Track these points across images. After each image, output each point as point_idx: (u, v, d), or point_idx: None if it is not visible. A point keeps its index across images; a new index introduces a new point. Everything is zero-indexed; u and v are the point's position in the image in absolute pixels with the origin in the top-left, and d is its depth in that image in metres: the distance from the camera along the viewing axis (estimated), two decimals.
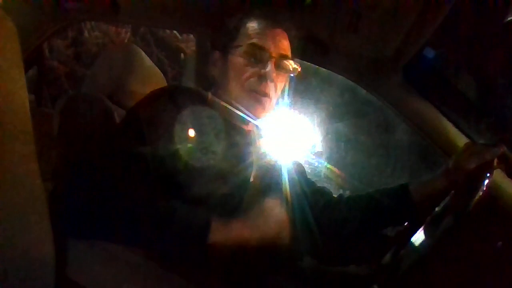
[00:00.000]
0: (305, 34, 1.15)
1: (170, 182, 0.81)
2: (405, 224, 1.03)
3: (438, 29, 1.09)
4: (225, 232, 0.74)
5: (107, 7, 1.22)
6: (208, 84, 1.04)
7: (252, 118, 0.95)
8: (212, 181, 0.86)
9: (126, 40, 3.23)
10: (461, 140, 1.26)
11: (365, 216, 1.02)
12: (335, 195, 1.09)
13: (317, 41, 1.23)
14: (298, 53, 1.01)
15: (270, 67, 0.93)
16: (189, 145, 0.85)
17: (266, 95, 0.94)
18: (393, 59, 1.23)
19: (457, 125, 1.28)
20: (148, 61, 1.37)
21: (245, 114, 0.95)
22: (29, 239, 0.61)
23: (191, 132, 0.87)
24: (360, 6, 1.06)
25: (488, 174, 0.88)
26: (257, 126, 1.02)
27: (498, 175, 1.10)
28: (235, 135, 0.96)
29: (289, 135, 1.02)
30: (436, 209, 0.91)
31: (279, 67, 0.95)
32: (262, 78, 0.93)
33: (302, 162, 1.17)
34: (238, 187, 0.91)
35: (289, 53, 0.98)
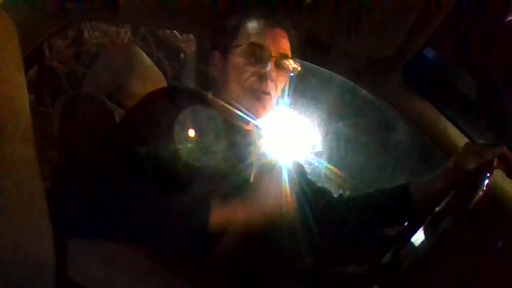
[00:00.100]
0: (305, 34, 1.15)
1: (169, 182, 0.81)
2: (405, 224, 1.03)
3: (438, 29, 1.09)
4: (225, 215, 0.74)
5: (107, 7, 1.22)
6: (208, 84, 1.04)
7: (252, 118, 0.95)
8: (212, 181, 0.86)
9: (126, 40, 3.23)
10: (461, 140, 1.26)
11: (365, 216, 1.02)
12: (335, 195, 1.09)
13: (317, 41, 1.23)
14: (298, 53, 1.01)
15: (270, 66, 0.93)
16: (189, 145, 0.85)
17: (266, 94, 0.94)
18: (393, 59, 1.23)
19: (457, 125, 1.28)
20: (148, 61, 1.37)
21: (245, 114, 0.95)
22: (29, 239, 0.61)
23: (190, 132, 0.87)
24: (360, 6, 1.06)
25: (488, 174, 0.88)
26: (257, 126, 1.02)
27: (498, 175, 1.10)
28: (235, 135, 0.96)
29: (289, 135, 1.02)
30: (436, 209, 0.91)
31: (279, 66, 0.95)
32: (263, 77, 0.93)
33: (302, 162, 1.17)
34: (238, 187, 0.91)
35: (289, 53, 0.98)
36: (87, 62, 3.15)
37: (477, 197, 0.83)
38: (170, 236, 0.73)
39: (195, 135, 0.87)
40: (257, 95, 0.94)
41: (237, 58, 0.95)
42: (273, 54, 0.94)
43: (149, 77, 1.34)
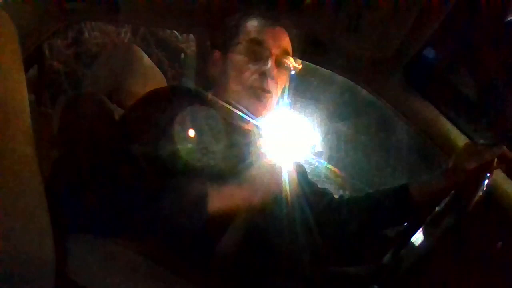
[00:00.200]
0: (305, 34, 1.15)
1: (168, 182, 0.81)
2: (405, 224, 1.03)
3: (438, 29, 1.09)
4: (223, 199, 0.75)
5: (107, 7, 1.22)
6: (208, 84, 1.04)
7: (252, 118, 0.95)
8: (212, 181, 0.86)
9: (126, 40, 3.23)
10: (461, 140, 1.26)
11: (366, 217, 1.02)
12: (335, 196, 1.09)
13: (317, 41, 1.23)
14: (298, 53, 1.00)
15: (270, 64, 0.92)
16: (188, 145, 0.85)
17: (267, 92, 0.93)
18: (393, 59, 1.23)
19: (457, 125, 1.28)
20: (148, 61, 1.37)
21: (245, 113, 0.94)
22: (29, 239, 0.61)
23: (190, 132, 0.87)
24: (360, 6, 1.06)
25: (488, 174, 0.88)
26: (257, 126, 1.02)
27: (498, 175, 1.11)
28: (235, 135, 0.96)
29: (289, 135, 1.02)
30: (436, 209, 0.91)
31: (279, 64, 0.94)
32: (263, 75, 0.92)
33: (302, 162, 1.17)
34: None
35: (290, 51, 0.97)
36: (87, 62, 3.15)
37: (477, 197, 0.83)
38: (170, 236, 0.74)
39: (194, 135, 0.87)
40: (258, 93, 0.93)
41: (237, 56, 0.94)
42: (274, 51, 0.93)
43: (149, 77, 1.34)
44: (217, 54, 0.99)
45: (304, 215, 0.97)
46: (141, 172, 0.77)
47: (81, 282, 0.70)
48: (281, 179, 0.87)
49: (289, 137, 0.99)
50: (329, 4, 1.09)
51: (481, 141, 1.17)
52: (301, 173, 1.10)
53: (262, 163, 0.81)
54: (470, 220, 0.83)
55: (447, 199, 0.91)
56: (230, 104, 0.95)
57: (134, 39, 3.20)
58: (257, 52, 0.93)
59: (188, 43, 3.18)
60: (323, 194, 1.08)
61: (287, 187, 0.89)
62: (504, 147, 0.89)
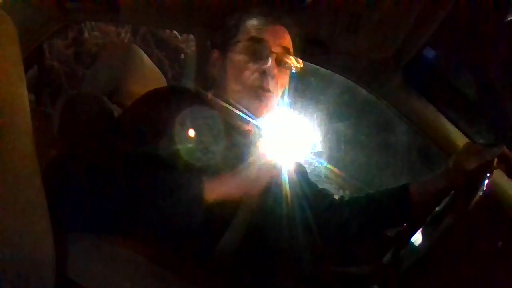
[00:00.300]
0: (305, 34, 1.15)
1: (167, 182, 0.81)
2: (405, 224, 1.03)
3: (438, 29, 1.09)
4: (222, 197, 0.75)
5: (107, 7, 1.22)
6: (208, 84, 1.03)
7: (252, 118, 0.94)
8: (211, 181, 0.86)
9: (126, 40, 3.23)
10: (461, 140, 1.26)
11: (366, 217, 1.02)
12: (336, 197, 1.09)
13: (317, 41, 1.23)
14: (298, 53, 1.00)
15: (271, 62, 0.91)
16: (188, 145, 0.85)
17: (267, 91, 0.92)
18: (393, 59, 1.23)
19: (457, 125, 1.28)
20: (148, 61, 1.37)
21: (245, 114, 0.94)
22: (29, 239, 0.61)
23: (190, 132, 0.86)
24: (360, 6, 1.06)
25: (488, 174, 0.88)
26: (257, 126, 1.02)
27: (498, 175, 1.10)
28: (235, 135, 0.96)
29: (289, 135, 1.01)
30: (436, 209, 0.91)
31: (280, 62, 0.94)
32: (263, 74, 0.91)
33: (302, 162, 1.17)
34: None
35: (291, 49, 0.96)
36: (87, 62, 3.15)
37: (477, 197, 0.83)
38: (170, 234, 0.73)
39: (194, 135, 0.87)
40: (258, 93, 0.92)
41: (237, 55, 0.94)
42: (274, 50, 0.93)
43: (149, 77, 1.34)
44: (217, 53, 0.99)
45: (305, 215, 0.97)
46: (140, 172, 0.77)
47: (81, 282, 0.70)
48: (281, 179, 0.88)
49: (289, 137, 0.99)
50: (329, 4, 1.09)
51: (481, 141, 1.17)
52: (302, 173, 1.10)
53: (262, 163, 0.81)
54: (470, 220, 0.83)
55: (447, 199, 0.91)
56: (230, 104, 0.95)
57: (134, 39, 3.20)
58: (257, 51, 0.92)
59: (188, 43, 3.18)
60: (324, 194, 1.08)
61: (287, 187, 0.89)
62: (504, 147, 0.89)
